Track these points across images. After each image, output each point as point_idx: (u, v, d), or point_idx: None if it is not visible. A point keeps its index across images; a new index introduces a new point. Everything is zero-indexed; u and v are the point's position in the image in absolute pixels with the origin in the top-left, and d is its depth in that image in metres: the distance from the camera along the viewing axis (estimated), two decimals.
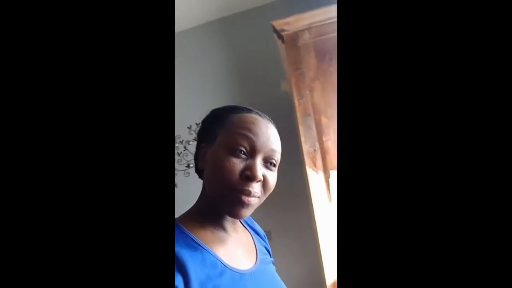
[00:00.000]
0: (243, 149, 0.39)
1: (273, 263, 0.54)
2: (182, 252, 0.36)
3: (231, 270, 0.40)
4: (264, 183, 0.41)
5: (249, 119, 0.42)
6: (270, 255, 0.55)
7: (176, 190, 1.90)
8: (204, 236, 0.41)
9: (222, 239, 0.43)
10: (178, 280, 0.33)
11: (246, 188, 0.38)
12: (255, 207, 0.41)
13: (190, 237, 0.40)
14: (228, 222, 0.45)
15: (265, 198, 0.42)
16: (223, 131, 0.41)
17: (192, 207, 0.46)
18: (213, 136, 0.42)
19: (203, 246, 0.39)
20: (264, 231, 0.58)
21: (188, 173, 1.91)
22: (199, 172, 0.47)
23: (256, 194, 0.39)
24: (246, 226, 0.54)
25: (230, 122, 0.42)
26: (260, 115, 0.44)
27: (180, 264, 0.35)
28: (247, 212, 0.40)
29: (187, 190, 1.92)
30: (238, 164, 0.38)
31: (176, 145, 1.93)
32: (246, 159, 0.39)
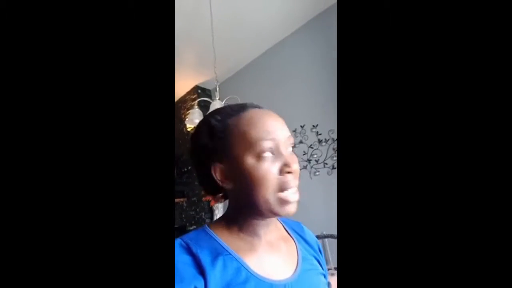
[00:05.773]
0: (270, 151, 0.37)
1: (324, 275, 0.48)
2: (205, 255, 0.37)
3: (258, 278, 0.38)
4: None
5: (255, 116, 0.39)
6: (321, 266, 0.49)
7: None
8: (231, 241, 0.40)
9: (253, 245, 0.41)
10: (200, 283, 0.34)
11: (289, 186, 0.37)
12: None
13: (217, 241, 0.39)
14: (262, 228, 0.42)
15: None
16: (233, 142, 0.39)
17: (222, 215, 0.46)
18: (221, 151, 0.39)
19: (228, 250, 0.39)
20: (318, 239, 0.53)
21: None
22: (216, 190, 0.44)
23: (295, 183, 0.39)
24: (292, 233, 0.49)
25: (235, 130, 0.39)
26: (258, 107, 0.42)
27: (201, 268, 0.35)
28: (295, 206, 0.39)
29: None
30: (271, 166, 0.37)
31: None
32: (274, 157, 0.38)
